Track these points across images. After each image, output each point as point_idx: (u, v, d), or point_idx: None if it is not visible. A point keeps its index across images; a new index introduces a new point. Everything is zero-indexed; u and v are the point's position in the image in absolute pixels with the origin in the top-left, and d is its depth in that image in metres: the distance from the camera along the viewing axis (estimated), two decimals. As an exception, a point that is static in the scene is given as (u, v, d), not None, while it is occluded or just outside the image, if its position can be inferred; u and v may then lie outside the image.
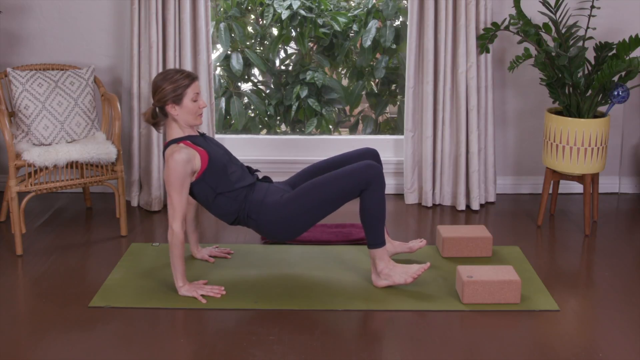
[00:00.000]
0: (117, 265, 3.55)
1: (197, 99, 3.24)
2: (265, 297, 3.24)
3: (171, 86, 3.20)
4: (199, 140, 3.27)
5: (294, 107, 4.93)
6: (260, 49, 5.14)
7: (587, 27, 4.02)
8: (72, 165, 3.79)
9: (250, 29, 5.10)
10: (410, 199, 4.51)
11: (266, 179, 3.43)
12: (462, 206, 4.40)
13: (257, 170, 3.46)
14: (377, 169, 3.19)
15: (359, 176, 3.17)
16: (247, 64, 4.97)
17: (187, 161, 3.14)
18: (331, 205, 3.23)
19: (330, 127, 5.04)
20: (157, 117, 3.29)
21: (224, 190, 3.23)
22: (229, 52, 4.88)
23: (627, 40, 3.84)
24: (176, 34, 4.24)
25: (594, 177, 4.13)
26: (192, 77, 3.24)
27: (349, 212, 4.02)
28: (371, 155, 3.46)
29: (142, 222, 4.18)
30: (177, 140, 3.24)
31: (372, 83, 5.14)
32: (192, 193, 3.27)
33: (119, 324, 3.02)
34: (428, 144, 4.39)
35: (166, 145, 3.28)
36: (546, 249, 3.86)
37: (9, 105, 4.04)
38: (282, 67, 5.14)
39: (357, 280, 3.40)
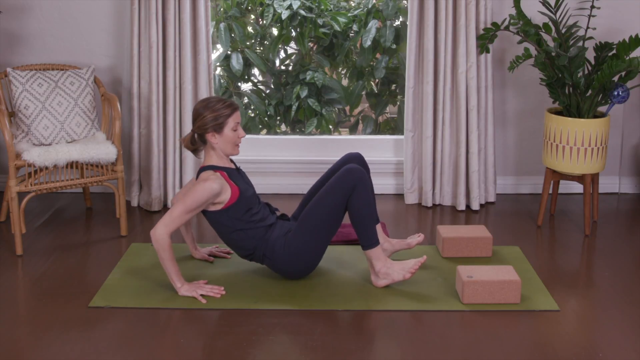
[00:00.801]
0: (117, 265, 3.55)
1: (237, 128, 3.26)
2: (265, 297, 3.24)
3: (213, 115, 3.20)
4: (234, 175, 3.30)
5: (294, 107, 4.93)
6: (260, 49, 5.14)
7: (587, 27, 4.03)
8: (72, 165, 3.79)
9: (250, 29, 5.10)
10: (410, 199, 4.51)
11: (283, 217, 3.46)
12: (462, 206, 4.40)
13: (276, 209, 3.47)
14: (356, 172, 3.19)
15: (342, 186, 3.19)
16: (247, 64, 4.97)
17: (216, 193, 3.16)
18: (331, 224, 3.25)
19: (330, 127, 5.04)
20: (195, 143, 3.31)
21: (242, 227, 3.26)
22: (229, 52, 4.88)
23: (627, 40, 3.84)
24: (176, 34, 4.24)
25: (594, 177, 4.13)
26: (233, 107, 3.25)
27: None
28: (354, 159, 3.47)
29: (142, 222, 4.18)
30: (214, 168, 3.26)
31: (372, 83, 5.14)
32: (210, 220, 3.29)
33: (119, 324, 3.02)
34: (428, 144, 4.39)
35: (202, 168, 3.29)
36: (546, 249, 3.86)
37: (9, 105, 4.04)
38: (282, 67, 5.14)
39: (357, 280, 3.40)
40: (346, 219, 4.13)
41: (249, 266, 3.54)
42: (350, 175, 3.19)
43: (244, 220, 3.25)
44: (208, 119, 3.20)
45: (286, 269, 3.30)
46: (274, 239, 3.28)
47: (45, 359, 2.76)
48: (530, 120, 4.60)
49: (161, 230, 3.14)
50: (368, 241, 3.26)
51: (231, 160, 3.40)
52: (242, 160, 4.29)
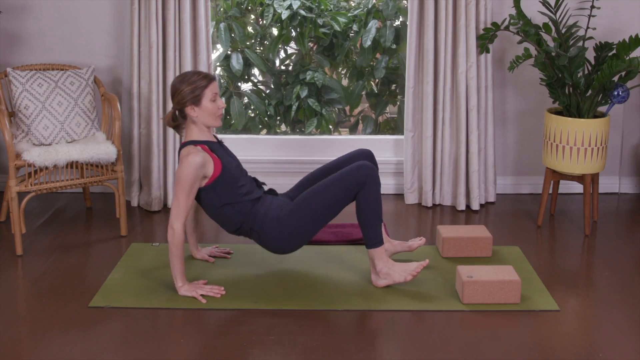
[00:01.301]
0: (117, 265, 3.55)
1: (216, 99, 3.25)
2: (265, 297, 3.24)
3: (189, 87, 3.20)
4: (216, 147, 3.28)
5: (294, 107, 4.93)
6: (260, 49, 5.14)
7: (587, 27, 4.02)
8: (72, 165, 3.79)
9: (250, 29, 5.10)
10: (410, 199, 4.51)
11: (272, 192, 3.44)
12: (462, 206, 4.40)
13: (263, 184, 3.47)
14: (369, 169, 3.19)
15: (353, 179, 3.18)
16: (247, 64, 4.97)
17: (201, 165, 3.14)
18: (329, 212, 3.24)
19: (330, 127, 5.04)
20: (177, 120, 3.31)
21: (230, 201, 3.24)
22: (229, 52, 4.88)
23: (627, 40, 3.84)
24: (176, 34, 4.24)
25: (594, 177, 4.13)
26: (209, 78, 3.24)
27: (349, 212, 4.01)
28: (365, 156, 3.46)
29: (142, 222, 4.18)
30: (195, 143, 3.25)
31: (372, 83, 5.14)
32: (198, 198, 3.27)
33: (119, 324, 3.02)
34: (428, 144, 4.39)
35: (183, 145, 3.28)
36: (546, 249, 3.86)
37: (9, 105, 4.04)
38: (282, 67, 5.14)
39: (357, 280, 3.40)
40: (348, 219, 4.13)
41: (249, 266, 3.54)
42: (362, 170, 3.19)
43: (231, 194, 3.23)
44: (185, 92, 3.20)
45: (274, 244, 3.29)
46: (262, 213, 3.26)
47: (45, 359, 2.76)
48: (530, 120, 4.60)
49: (176, 225, 3.15)
50: (372, 240, 3.26)
51: (215, 136, 3.39)
52: (243, 160, 4.28)
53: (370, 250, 3.29)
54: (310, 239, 3.31)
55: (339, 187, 3.20)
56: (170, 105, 4.27)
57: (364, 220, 3.24)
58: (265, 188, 3.50)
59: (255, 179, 3.44)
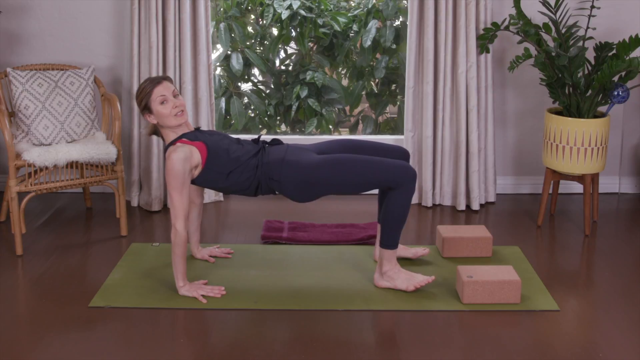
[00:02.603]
0: (117, 265, 3.55)
1: (166, 100, 3.24)
2: (265, 297, 3.24)
3: (139, 97, 3.28)
4: (194, 135, 3.28)
5: (294, 107, 4.93)
6: (260, 49, 5.14)
7: (587, 27, 4.02)
8: (72, 165, 3.79)
9: (250, 29, 5.10)
10: (410, 199, 4.51)
11: (276, 142, 3.37)
12: (462, 206, 4.40)
13: (259, 136, 3.41)
14: (413, 174, 3.16)
15: (395, 173, 3.14)
16: (247, 64, 4.97)
17: (184, 159, 3.14)
18: (357, 187, 3.20)
19: (330, 127, 5.05)
20: (152, 128, 3.40)
21: (232, 168, 3.22)
22: (229, 52, 4.88)
23: (627, 40, 3.84)
24: (176, 34, 4.24)
25: (594, 177, 4.13)
26: (155, 82, 3.26)
27: (349, 212, 4.02)
28: (405, 156, 3.44)
29: (142, 222, 4.18)
30: (172, 142, 3.26)
31: (372, 83, 5.14)
32: (204, 183, 3.27)
33: (119, 324, 3.02)
34: (428, 144, 4.39)
35: (165, 148, 3.31)
36: (546, 249, 3.86)
37: (9, 105, 4.04)
38: (282, 67, 5.14)
39: (357, 280, 3.40)
40: (348, 219, 4.13)
41: (249, 266, 3.54)
42: (407, 172, 3.15)
43: (229, 163, 3.21)
44: (138, 103, 3.28)
45: (293, 187, 3.20)
46: (279, 158, 3.20)
47: (45, 359, 2.76)
48: (530, 120, 4.60)
49: (179, 225, 3.15)
50: (389, 241, 3.25)
51: (192, 127, 3.39)
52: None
53: (382, 250, 3.27)
54: (321, 196, 3.23)
55: (378, 172, 3.14)
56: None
57: (389, 220, 3.22)
58: (267, 138, 3.44)
59: (252, 140, 3.38)
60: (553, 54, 3.92)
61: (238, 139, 3.36)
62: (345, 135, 4.38)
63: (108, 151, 3.81)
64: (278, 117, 5.10)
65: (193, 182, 3.26)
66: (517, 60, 4.10)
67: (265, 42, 5.09)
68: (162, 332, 2.98)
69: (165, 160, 3.25)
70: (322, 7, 4.88)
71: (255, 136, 3.45)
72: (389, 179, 3.15)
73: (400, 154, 3.42)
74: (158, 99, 3.24)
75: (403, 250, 3.58)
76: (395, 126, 5.18)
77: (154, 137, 4.27)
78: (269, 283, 3.37)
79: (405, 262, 3.56)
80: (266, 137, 3.44)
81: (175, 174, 3.13)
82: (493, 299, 3.17)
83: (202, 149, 3.21)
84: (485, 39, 4.20)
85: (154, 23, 4.18)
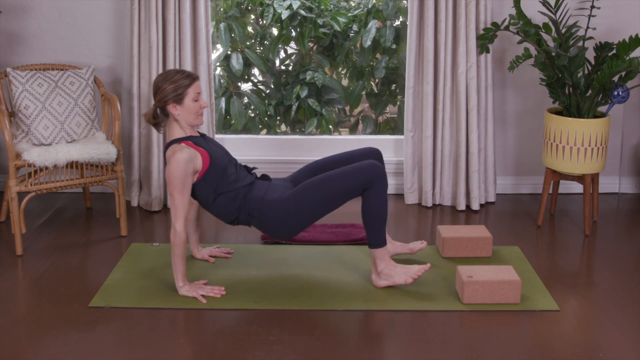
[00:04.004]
0: (117, 265, 3.55)
1: (198, 98, 3.25)
2: (265, 297, 3.24)
3: (172, 86, 3.20)
4: (200, 141, 3.27)
5: (294, 107, 4.93)
6: (260, 49, 5.14)
7: (587, 27, 4.02)
8: (72, 165, 3.79)
9: (250, 29, 5.10)
10: (410, 199, 4.51)
11: (265, 177, 3.43)
12: (462, 206, 4.40)
13: (254, 168, 3.46)
14: (380, 169, 3.19)
15: (363, 175, 3.18)
16: (247, 64, 4.97)
17: (188, 161, 3.14)
18: (333, 203, 3.23)
19: (330, 127, 5.04)
20: (158, 117, 3.30)
21: (224, 190, 3.24)
22: (229, 52, 4.88)
23: (627, 40, 3.84)
24: (176, 34, 4.24)
25: (594, 177, 4.13)
26: (192, 77, 3.25)
27: (349, 212, 4.02)
28: (374, 154, 3.46)
29: (142, 222, 4.18)
30: (178, 140, 3.25)
31: (372, 83, 5.14)
32: (193, 193, 3.27)
33: (119, 324, 3.02)
34: (428, 144, 4.39)
35: (167, 145, 3.28)
36: (546, 249, 3.86)
37: (9, 105, 4.04)
38: (282, 67, 5.14)
39: (357, 280, 3.40)
40: (348, 219, 4.13)
41: (249, 266, 3.54)
42: (373, 169, 3.18)
43: (222, 183, 3.23)
44: (168, 91, 3.21)
45: (272, 225, 3.27)
46: (260, 197, 3.26)
47: (45, 359, 2.76)
48: (530, 120, 4.60)
49: (178, 225, 3.15)
50: (376, 240, 3.26)
51: (198, 132, 3.39)
52: (243, 160, 4.29)
53: (372, 250, 3.29)
54: (308, 226, 3.29)
55: (347, 181, 3.19)
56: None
57: (369, 220, 3.24)
58: (258, 174, 3.49)
59: (245, 166, 3.43)
60: (553, 54, 3.92)
61: (235, 161, 3.38)
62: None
63: (108, 151, 3.81)
64: (278, 117, 5.10)
65: None
66: (517, 60, 4.10)
67: (265, 42, 5.09)
68: (162, 332, 2.98)
69: (166, 157, 3.24)
70: (322, 7, 4.88)
71: (250, 165, 3.49)
72: (358, 182, 3.18)
73: (373, 154, 3.46)
74: (193, 94, 3.24)
75: (400, 247, 3.58)
76: (395, 126, 5.18)
77: (154, 138, 4.27)
78: (269, 283, 3.37)
79: (406, 261, 3.55)
80: (257, 170, 3.46)
81: (179, 174, 3.13)
82: (493, 299, 3.17)
83: (205, 158, 3.21)
84: (485, 39, 4.20)
85: (154, 23, 4.18)
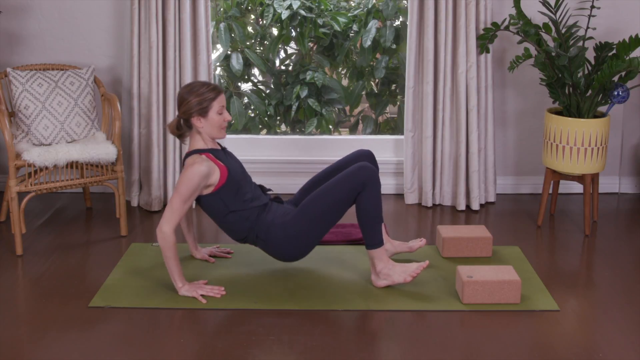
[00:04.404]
0: (117, 265, 3.55)
1: (222, 111, 3.26)
2: (265, 297, 3.24)
3: (197, 99, 3.21)
4: (221, 155, 3.29)
5: (294, 107, 4.93)
6: (260, 49, 5.14)
7: (587, 27, 4.03)
8: (72, 165, 3.79)
9: (250, 29, 5.10)
10: (410, 199, 4.51)
11: (278, 200, 3.45)
12: (462, 206, 4.40)
13: (269, 190, 3.47)
14: (369, 170, 3.19)
15: (353, 181, 3.19)
16: (247, 64, 4.97)
17: (205, 175, 3.15)
18: (333, 216, 3.25)
19: (330, 127, 5.04)
20: (181, 128, 3.31)
21: (237, 208, 3.25)
22: (229, 52, 4.88)
23: (627, 40, 3.84)
24: (176, 34, 4.24)
25: (594, 177, 4.13)
26: (217, 90, 3.25)
27: (349, 212, 4.01)
28: (365, 156, 3.47)
29: (142, 222, 4.18)
30: (200, 151, 3.25)
31: (372, 83, 5.14)
32: (203, 205, 3.28)
33: (119, 324, 3.02)
34: (428, 144, 4.39)
35: (188, 153, 3.29)
36: (546, 249, 3.86)
37: (9, 105, 4.04)
38: (282, 67, 5.14)
39: (357, 280, 3.40)
40: (348, 219, 4.13)
41: (249, 266, 3.54)
42: (362, 172, 3.19)
43: (236, 200, 3.24)
44: (193, 104, 3.21)
45: (280, 251, 3.30)
46: (269, 221, 3.27)
47: (45, 359, 2.76)
48: (530, 120, 4.60)
49: (166, 228, 3.15)
50: (372, 241, 3.26)
51: (219, 144, 3.40)
52: (242, 160, 4.29)
53: (370, 251, 3.29)
54: (316, 244, 3.32)
55: (340, 189, 3.20)
56: (170, 107, 4.28)
57: (365, 221, 3.24)
58: (271, 195, 3.51)
59: (261, 186, 3.44)
60: (553, 54, 3.92)
61: (251, 179, 3.39)
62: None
63: (108, 151, 3.81)
64: (278, 117, 5.10)
65: (198, 199, 3.27)
66: (517, 60, 4.10)
67: (265, 42, 5.09)
68: (162, 332, 2.98)
69: (184, 165, 3.25)
70: (322, 7, 4.87)
71: (265, 185, 3.54)
72: (350, 187, 3.19)
73: (363, 157, 3.47)
74: (218, 107, 3.24)
75: (399, 246, 3.58)
76: (395, 126, 5.18)
77: (154, 138, 4.27)
78: (269, 283, 3.37)
79: (406, 260, 3.55)
80: (270, 191, 3.51)
81: (191, 184, 3.14)
82: (493, 299, 3.17)
83: (224, 172, 3.23)
84: (485, 39, 4.20)
85: (154, 23, 4.18)
